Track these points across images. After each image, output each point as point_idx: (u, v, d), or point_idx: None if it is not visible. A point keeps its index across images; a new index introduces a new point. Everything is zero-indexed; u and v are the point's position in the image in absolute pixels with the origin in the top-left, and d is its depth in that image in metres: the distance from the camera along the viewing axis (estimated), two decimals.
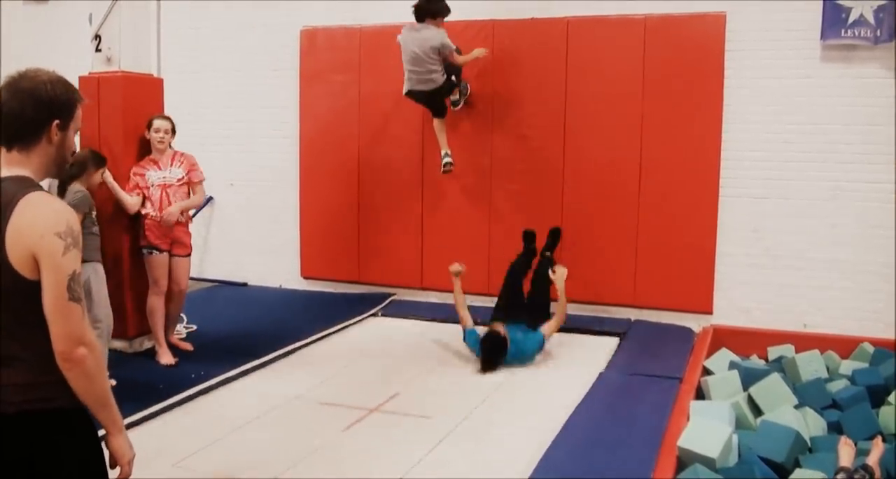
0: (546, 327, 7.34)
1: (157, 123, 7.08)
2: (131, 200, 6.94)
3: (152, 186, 6.99)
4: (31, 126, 2.64)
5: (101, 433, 2.75)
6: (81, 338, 2.56)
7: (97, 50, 7.33)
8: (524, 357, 7.19)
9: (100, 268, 6.14)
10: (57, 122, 2.67)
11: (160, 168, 7.07)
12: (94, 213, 6.19)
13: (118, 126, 7.09)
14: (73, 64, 7.46)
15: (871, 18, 7.69)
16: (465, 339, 7.36)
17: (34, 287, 2.53)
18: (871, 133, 7.84)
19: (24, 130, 2.64)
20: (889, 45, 7.69)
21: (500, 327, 7.12)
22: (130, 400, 5.72)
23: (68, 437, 2.66)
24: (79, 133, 6.89)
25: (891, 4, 7.63)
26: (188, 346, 7.35)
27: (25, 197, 2.54)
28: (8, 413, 2.57)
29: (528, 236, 8.21)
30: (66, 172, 6.19)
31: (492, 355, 7.08)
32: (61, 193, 6.08)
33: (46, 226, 2.52)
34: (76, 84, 6.93)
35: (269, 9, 9.93)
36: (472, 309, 8.71)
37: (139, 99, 7.27)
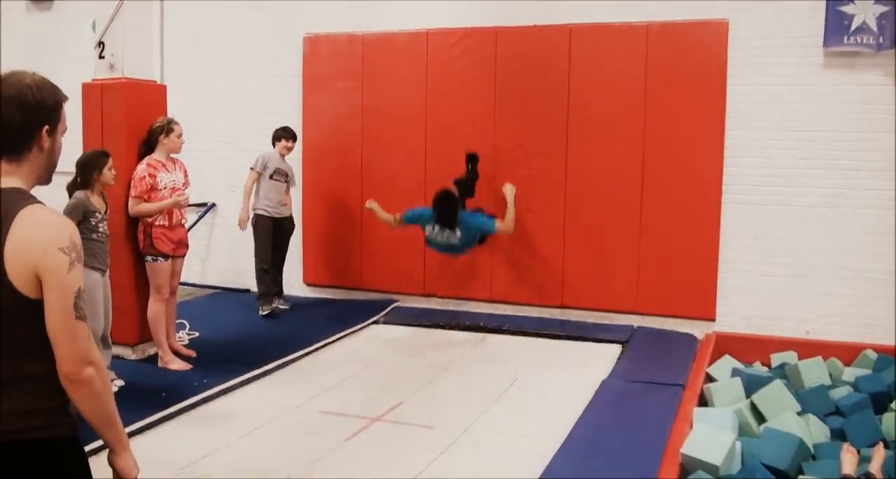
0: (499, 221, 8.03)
1: (178, 127, 7.10)
2: (170, 202, 6.92)
3: (164, 188, 6.94)
4: (21, 135, 2.49)
5: (91, 449, 2.63)
6: (88, 358, 2.44)
7: (100, 57, 7.34)
8: (475, 228, 7.99)
9: (93, 274, 5.99)
10: (46, 127, 2.53)
11: (168, 171, 7.05)
12: (93, 219, 6.08)
13: (121, 133, 7.09)
14: (76, 71, 7.51)
15: (873, 25, 7.69)
16: (403, 220, 8.18)
17: (35, 307, 2.41)
18: (873, 140, 7.84)
19: (13, 139, 2.49)
20: (891, 51, 7.69)
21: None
22: (134, 407, 5.72)
23: (60, 467, 2.53)
24: (82, 140, 6.98)
25: (894, 11, 7.64)
26: (191, 352, 7.34)
27: (24, 210, 2.41)
28: (1, 442, 2.43)
29: (472, 159, 8.71)
30: (73, 185, 6.19)
31: (446, 204, 7.83)
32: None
33: (49, 241, 2.39)
34: (80, 91, 7.03)
35: (272, 16, 9.96)
36: (476, 316, 8.78)
37: (142, 106, 7.27)
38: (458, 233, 7.90)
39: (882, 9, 7.68)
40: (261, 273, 9.00)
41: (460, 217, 7.90)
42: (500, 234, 8.27)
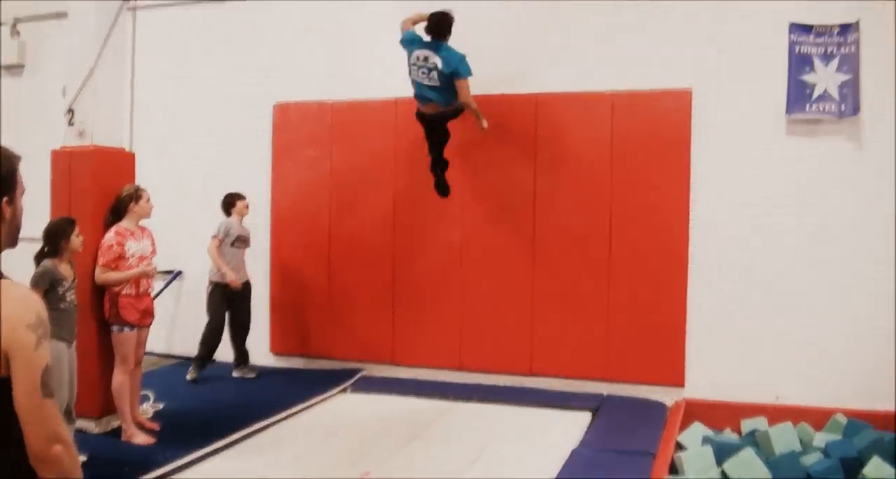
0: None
1: (145, 192, 7.07)
2: (137, 271, 6.88)
3: (132, 257, 6.87)
4: None
5: None
6: (57, 435, 2.40)
7: (70, 124, 7.32)
8: (454, 61, 7.94)
9: (59, 345, 5.81)
10: (5, 199, 2.48)
11: (136, 239, 6.98)
12: (60, 288, 5.97)
13: (88, 201, 7.04)
14: (46, 137, 7.49)
15: (835, 94, 7.85)
16: (402, 40, 8.25)
17: (4, 384, 2.37)
18: (836, 206, 7.95)
19: None
20: (854, 118, 7.84)
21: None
22: None
23: None
24: (50, 207, 6.90)
25: (854, 79, 7.80)
26: (154, 425, 7.18)
27: None
28: None
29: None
30: (40, 255, 6.11)
31: (442, 14, 8.03)
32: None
33: (17, 318, 2.36)
34: (49, 158, 6.99)
35: (242, 84, 9.99)
36: (445, 385, 8.67)
37: (111, 173, 7.24)
38: (440, 63, 7.93)
39: (843, 77, 7.85)
40: (209, 339, 9.00)
41: (445, 46, 8.02)
42: (463, 91, 8.03)
